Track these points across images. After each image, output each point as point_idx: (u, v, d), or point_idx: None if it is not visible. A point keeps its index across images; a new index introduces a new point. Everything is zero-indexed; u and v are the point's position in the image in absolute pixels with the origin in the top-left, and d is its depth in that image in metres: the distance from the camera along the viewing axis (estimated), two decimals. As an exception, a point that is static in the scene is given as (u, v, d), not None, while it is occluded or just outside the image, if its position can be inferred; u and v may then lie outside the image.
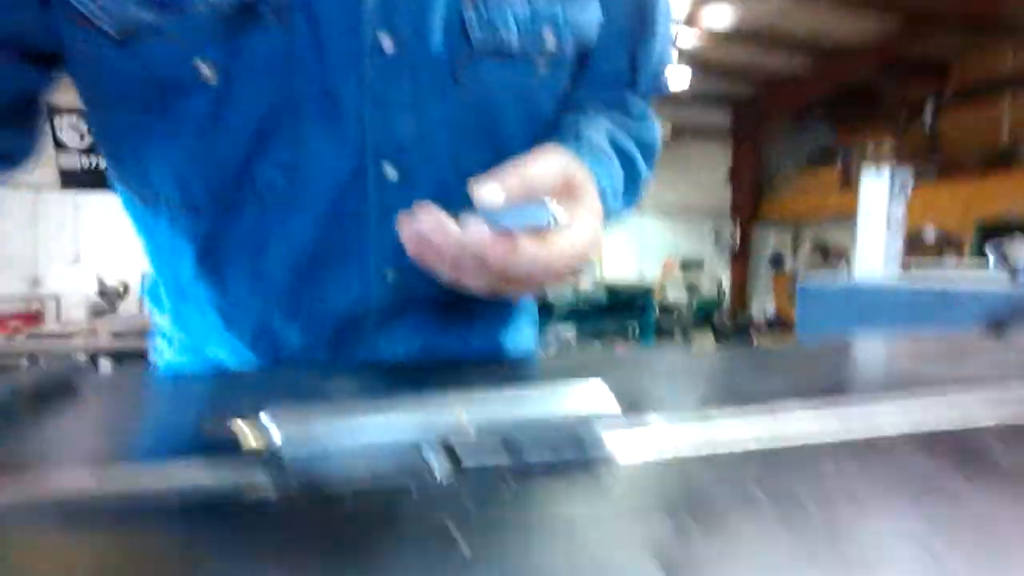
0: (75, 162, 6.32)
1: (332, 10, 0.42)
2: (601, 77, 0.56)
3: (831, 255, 8.94)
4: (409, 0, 0.43)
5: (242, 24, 0.40)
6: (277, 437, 0.21)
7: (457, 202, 0.48)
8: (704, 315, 8.99)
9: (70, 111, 6.03)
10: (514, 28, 0.47)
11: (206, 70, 0.41)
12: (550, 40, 0.49)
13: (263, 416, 0.22)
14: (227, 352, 0.54)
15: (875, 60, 6.96)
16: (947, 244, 6.99)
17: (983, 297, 1.45)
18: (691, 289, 9.20)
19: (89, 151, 6.29)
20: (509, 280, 0.37)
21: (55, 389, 0.32)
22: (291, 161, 0.46)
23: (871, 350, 0.63)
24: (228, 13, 0.39)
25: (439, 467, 0.22)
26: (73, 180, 6.35)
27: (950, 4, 5.35)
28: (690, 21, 5.62)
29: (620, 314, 6.20)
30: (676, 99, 8.34)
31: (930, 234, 7.18)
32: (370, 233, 0.49)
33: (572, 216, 0.39)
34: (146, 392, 0.44)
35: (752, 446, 0.27)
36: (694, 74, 7.14)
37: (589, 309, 5.89)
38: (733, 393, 0.41)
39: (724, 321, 9.08)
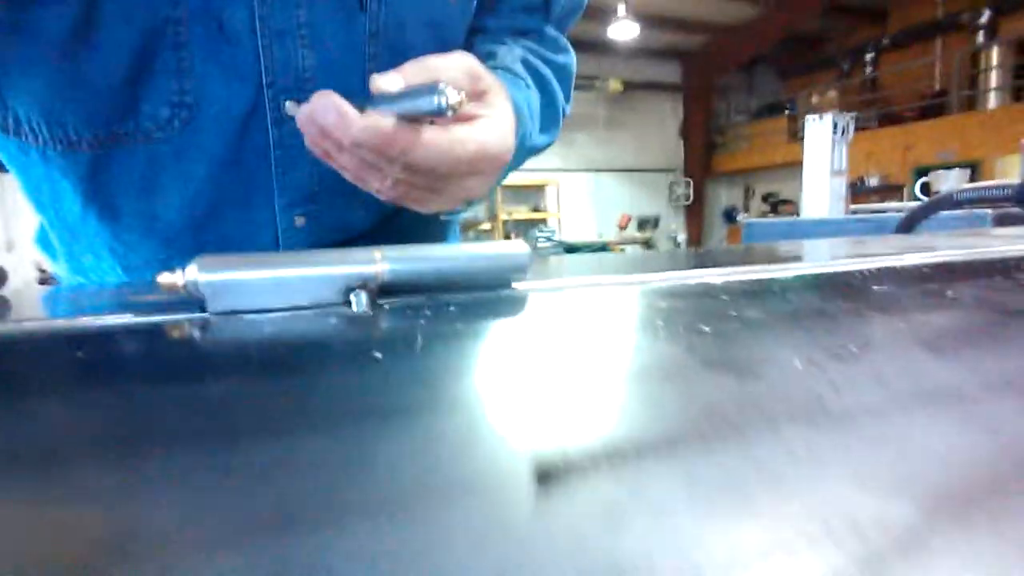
0: None
1: None
2: (513, 4, 0.55)
3: (781, 206, 9.18)
4: None
5: None
6: (196, 274, 0.22)
7: None
8: (661, 270, 9.13)
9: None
10: None
11: None
12: None
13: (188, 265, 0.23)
14: None
15: (819, 7, 7.05)
16: (889, 190, 7.26)
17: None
18: (648, 245, 9.32)
19: (14, 129, 5.95)
20: (413, 174, 0.36)
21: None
22: (180, 94, 0.42)
23: (782, 246, 0.67)
24: None
25: (356, 301, 0.23)
26: None
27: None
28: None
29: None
30: (626, 53, 8.30)
31: (873, 180, 7.44)
32: (273, 175, 0.46)
33: (478, 111, 0.38)
34: (64, 290, 0.44)
35: (652, 286, 0.30)
36: (642, 27, 7.11)
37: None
38: (644, 266, 0.43)
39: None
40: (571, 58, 0.59)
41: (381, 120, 0.33)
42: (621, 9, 6.35)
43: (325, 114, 0.33)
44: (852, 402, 0.18)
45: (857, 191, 6.86)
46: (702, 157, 10.25)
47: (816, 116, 4.60)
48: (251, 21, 0.41)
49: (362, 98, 0.34)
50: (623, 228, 9.20)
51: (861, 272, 0.33)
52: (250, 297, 0.22)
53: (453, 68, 0.37)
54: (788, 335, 0.24)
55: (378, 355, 0.20)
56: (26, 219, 6.43)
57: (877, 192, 7.26)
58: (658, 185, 10.27)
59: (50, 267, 0.58)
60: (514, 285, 0.27)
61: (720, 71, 9.37)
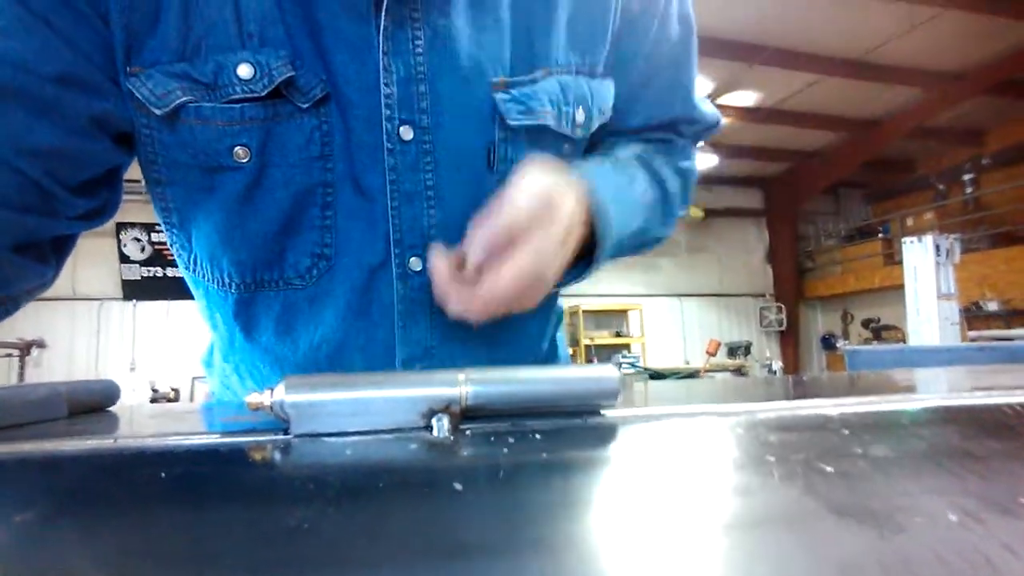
0: (136, 273, 6.75)
1: (352, 97, 0.44)
2: (646, 121, 0.58)
3: (885, 332, 8.58)
4: (430, 85, 0.45)
5: (276, 110, 0.43)
6: (283, 395, 0.22)
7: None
8: (756, 399, 8.55)
9: (133, 225, 6.52)
10: (550, 107, 0.48)
11: (241, 151, 0.43)
12: (580, 116, 0.51)
13: (275, 387, 0.23)
14: None
15: (906, 130, 6.96)
16: (1012, 317, 6.64)
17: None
18: (740, 372, 8.88)
19: (149, 263, 6.74)
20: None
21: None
22: (322, 248, 0.47)
23: (897, 375, 0.60)
24: (262, 98, 0.42)
25: (437, 426, 0.22)
26: (134, 290, 6.77)
27: (976, 71, 5.41)
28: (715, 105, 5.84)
29: (666, 400, 5.98)
30: (707, 181, 8.47)
31: (990, 306, 6.86)
32: (395, 328, 0.49)
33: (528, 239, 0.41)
34: (168, 409, 0.45)
35: (756, 416, 0.27)
36: (723, 156, 7.29)
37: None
38: (742, 394, 0.40)
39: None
40: (693, 164, 0.62)
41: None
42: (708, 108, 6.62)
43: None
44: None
45: (971, 315, 6.34)
46: (793, 282, 9.93)
47: (914, 238, 4.39)
48: (384, 184, 0.46)
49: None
50: (712, 354, 8.88)
51: (1011, 407, 0.29)
52: (333, 420, 0.22)
53: (524, 202, 0.41)
54: (931, 479, 0.20)
55: (457, 486, 0.18)
56: (148, 346, 7.11)
57: (1000, 317, 6.65)
58: (747, 311, 9.95)
59: (207, 384, 0.64)
60: (604, 412, 0.26)
61: (804, 196, 9.31)
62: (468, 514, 0.17)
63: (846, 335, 9.70)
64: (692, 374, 6.55)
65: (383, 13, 0.42)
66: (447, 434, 0.22)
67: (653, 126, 0.59)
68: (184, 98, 0.42)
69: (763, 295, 10.06)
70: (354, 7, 0.42)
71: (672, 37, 0.56)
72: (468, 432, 0.23)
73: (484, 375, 0.24)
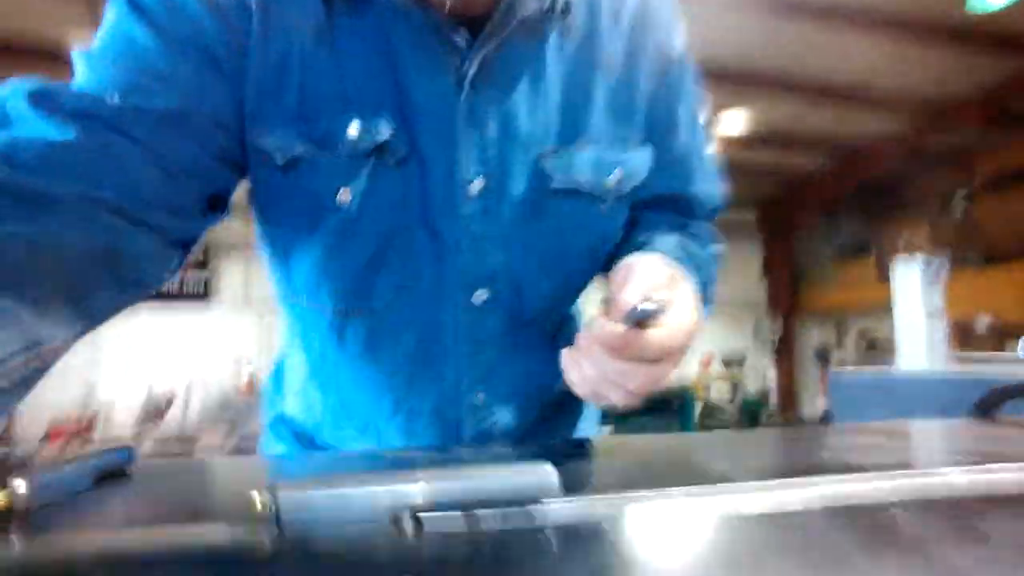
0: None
1: (434, 159, 0.54)
2: (665, 204, 0.68)
3: (879, 347, 8.63)
4: (496, 150, 0.55)
5: (372, 165, 0.54)
6: (278, 503, 0.27)
7: (527, 316, 0.61)
8: (752, 414, 8.63)
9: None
10: (586, 172, 0.59)
11: (345, 196, 0.54)
12: (613, 181, 0.61)
13: (270, 488, 0.28)
14: (337, 441, 0.66)
15: (896, 155, 7.06)
16: (1005, 334, 6.68)
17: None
18: (735, 386, 8.93)
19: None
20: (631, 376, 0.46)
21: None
22: (402, 281, 0.58)
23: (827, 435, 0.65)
24: (364, 155, 0.53)
25: (405, 529, 0.28)
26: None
27: (965, 98, 5.51)
28: (707, 127, 5.92)
29: (659, 413, 6.04)
30: (702, 199, 8.54)
31: (982, 324, 6.90)
32: (459, 353, 0.59)
33: (674, 300, 0.48)
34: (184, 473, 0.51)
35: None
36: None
37: (626, 409, 5.73)
38: (683, 471, 0.45)
39: (774, 419, 8.70)
40: (717, 247, 0.73)
41: (616, 326, 0.44)
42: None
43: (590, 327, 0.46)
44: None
45: (966, 335, 6.39)
46: (787, 296, 10.01)
47: (905, 257, 4.44)
48: (456, 227, 0.56)
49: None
50: (706, 366, 8.92)
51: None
52: (314, 511, 0.27)
53: (657, 274, 0.50)
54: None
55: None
56: (148, 346, 7.15)
57: (991, 338, 6.69)
58: (742, 324, 10.02)
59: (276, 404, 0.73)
60: (543, 501, 0.31)
61: (799, 215, 9.42)
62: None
63: (840, 345, 9.75)
64: (684, 391, 6.58)
65: (463, 98, 0.53)
66: (412, 536, 0.27)
67: (666, 196, 0.68)
68: (301, 150, 0.53)
69: (758, 309, 10.13)
70: (442, 94, 0.53)
71: (690, 120, 0.67)
72: (429, 532, 0.28)
73: (436, 474, 0.29)
